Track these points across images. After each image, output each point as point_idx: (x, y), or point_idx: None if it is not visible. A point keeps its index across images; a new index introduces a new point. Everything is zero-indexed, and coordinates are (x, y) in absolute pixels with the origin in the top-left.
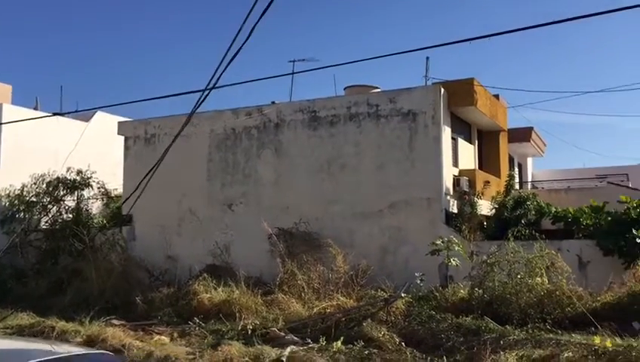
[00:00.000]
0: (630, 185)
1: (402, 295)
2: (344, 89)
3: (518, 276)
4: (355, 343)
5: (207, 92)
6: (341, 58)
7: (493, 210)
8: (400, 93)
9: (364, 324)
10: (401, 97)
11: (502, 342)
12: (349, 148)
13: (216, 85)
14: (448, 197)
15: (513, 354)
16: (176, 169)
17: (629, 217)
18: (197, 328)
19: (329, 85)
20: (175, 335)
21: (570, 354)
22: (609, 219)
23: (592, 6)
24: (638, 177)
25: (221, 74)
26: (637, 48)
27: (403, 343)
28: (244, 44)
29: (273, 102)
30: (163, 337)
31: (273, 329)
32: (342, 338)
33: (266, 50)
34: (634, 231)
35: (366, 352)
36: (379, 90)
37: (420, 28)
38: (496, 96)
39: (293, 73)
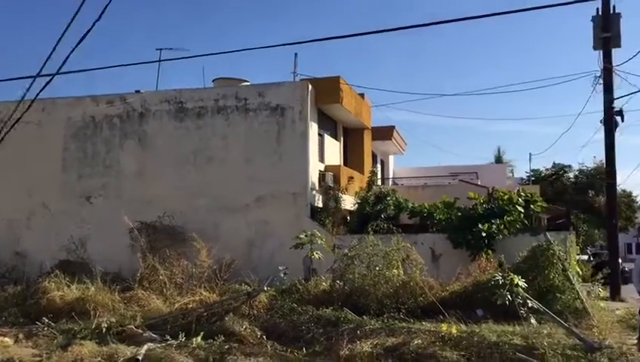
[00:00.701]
0: (479, 183)
1: (265, 288)
2: (213, 81)
3: (377, 268)
4: (216, 338)
5: (50, 78)
6: (211, 50)
7: (356, 205)
8: (269, 87)
9: (226, 319)
10: (269, 92)
11: (359, 332)
12: (217, 141)
13: (62, 71)
14: (314, 192)
15: (368, 343)
16: (27, 159)
17: (476, 213)
18: (46, 328)
19: (198, 77)
20: (20, 336)
21: (420, 341)
22: (459, 214)
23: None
24: (487, 175)
25: (67, 57)
26: (491, 56)
27: (264, 336)
28: (94, 24)
29: (138, 91)
30: (6, 339)
31: (130, 326)
32: (202, 333)
33: (134, 41)
34: (480, 226)
35: (226, 347)
36: (248, 83)
37: (291, 24)
38: (362, 95)
39: (160, 61)
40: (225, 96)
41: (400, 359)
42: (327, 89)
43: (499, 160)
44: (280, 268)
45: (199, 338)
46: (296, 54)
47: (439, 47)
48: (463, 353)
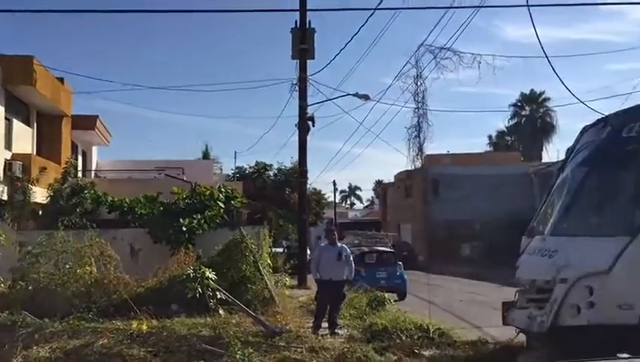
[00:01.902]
0: (185, 179)
1: None
2: None
3: (67, 266)
4: None
5: None
6: None
7: (49, 198)
8: None
9: None
10: None
11: (37, 337)
12: None
13: None
14: None
15: (47, 348)
16: None
17: (178, 207)
18: None
19: None
20: None
21: (106, 340)
22: (161, 208)
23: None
24: (193, 171)
25: None
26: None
27: None
28: None
29: None
30: None
31: None
32: None
33: None
34: (181, 221)
35: None
36: None
37: None
38: (61, 80)
39: None
40: None
41: (82, 361)
42: (18, 69)
43: (206, 156)
44: None
45: None
46: None
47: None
48: (150, 349)
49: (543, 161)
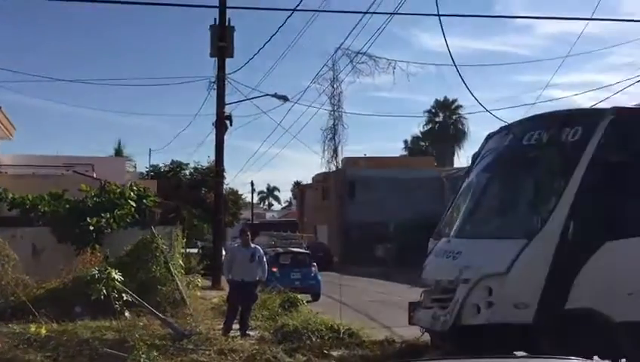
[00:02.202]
0: (95, 176)
1: None
2: None
3: None
4: None
5: None
6: None
7: None
8: None
9: None
10: None
11: None
12: None
13: None
14: None
15: None
16: None
17: (85, 206)
18: None
19: None
20: None
21: (0, 345)
22: (67, 206)
23: None
24: (104, 168)
25: None
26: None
27: None
28: None
29: None
30: None
31: None
32: None
33: None
34: (88, 219)
35: None
36: None
37: None
38: None
39: None
40: None
41: None
42: None
43: (119, 153)
44: None
45: None
46: None
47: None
48: (49, 354)
49: (455, 166)
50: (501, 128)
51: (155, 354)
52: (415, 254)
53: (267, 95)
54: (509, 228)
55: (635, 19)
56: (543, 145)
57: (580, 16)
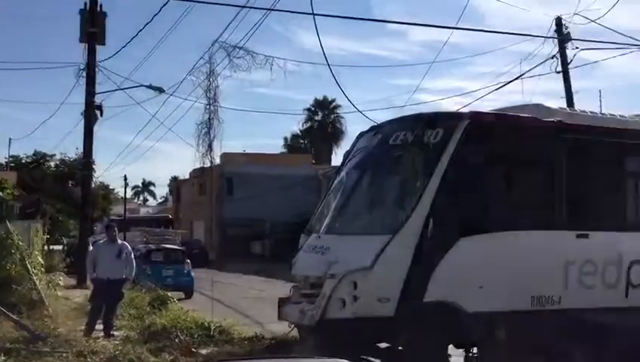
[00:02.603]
0: None
1: None
2: None
3: None
4: None
5: None
6: None
7: None
8: None
9: None
10: None
11: None
12: None
13: None
14: None
15: None
16: None
17: None
18: None
19: None
20: None
21: None
22: None
23: None
24: None
25: None
26: None
27: None
28: None
29: None
30: None
31: None
32: None
33: None
34: None
35: None
36: None
37: None
38: None
39: None
40: None
41: None
42: None
43: None
44: None
45: None
46: None
47: None
48: None
49: (332, 164)
50: (371, 128)
51: (3, 358)
52: (291, 250)
53: (142, 85)
54: (374, 225)
55: (496, 30)
56: (408, 145)
57: (448, 25)
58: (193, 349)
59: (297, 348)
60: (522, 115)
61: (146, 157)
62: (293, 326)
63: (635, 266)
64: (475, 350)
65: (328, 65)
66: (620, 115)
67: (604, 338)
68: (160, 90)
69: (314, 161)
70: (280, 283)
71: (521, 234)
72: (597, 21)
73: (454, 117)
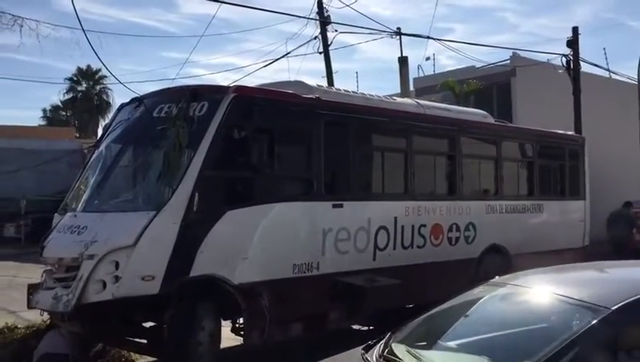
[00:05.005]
0: None
1: None
2: None
3: None
4: None
5: None
6: None
7: None
8: None
9: None
10: None
11: None
12: None
13: None
14: None
15: None
16: None
17: None
18: None
19: None
20: None
21: None
22: None
23: None
24: None
25: None
26: None
27: None
28: None
29: None
30: None
31: None
32: None
33: None
34: None
35: None
36: None
37: None
38: None
39: None
40: None
41: None
42: None
43: None
44: None
45: None
46: None
47: None
48: None
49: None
50: (132, 99)
51: None
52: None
53: None
54: (137, 201)
55: (262, 8)
56: (172, 118)
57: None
58: None
59: (51, 335)
60: (284, 90)
61: None
62: (46, 313)
63: (380, 231)
64: (241, 320)
65: (83, 29)
66: (369, 94)
67: (356, 299)
68: None
69: (77, 135)
70: (39, 267)
71: (282, 206)
72: (352, 6)
73: (219, 90)
